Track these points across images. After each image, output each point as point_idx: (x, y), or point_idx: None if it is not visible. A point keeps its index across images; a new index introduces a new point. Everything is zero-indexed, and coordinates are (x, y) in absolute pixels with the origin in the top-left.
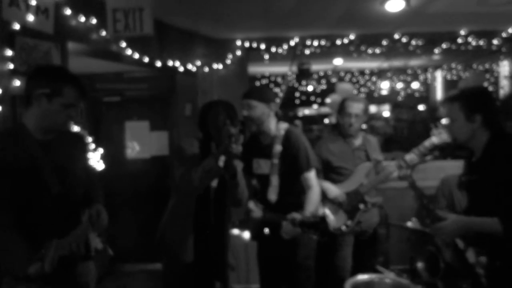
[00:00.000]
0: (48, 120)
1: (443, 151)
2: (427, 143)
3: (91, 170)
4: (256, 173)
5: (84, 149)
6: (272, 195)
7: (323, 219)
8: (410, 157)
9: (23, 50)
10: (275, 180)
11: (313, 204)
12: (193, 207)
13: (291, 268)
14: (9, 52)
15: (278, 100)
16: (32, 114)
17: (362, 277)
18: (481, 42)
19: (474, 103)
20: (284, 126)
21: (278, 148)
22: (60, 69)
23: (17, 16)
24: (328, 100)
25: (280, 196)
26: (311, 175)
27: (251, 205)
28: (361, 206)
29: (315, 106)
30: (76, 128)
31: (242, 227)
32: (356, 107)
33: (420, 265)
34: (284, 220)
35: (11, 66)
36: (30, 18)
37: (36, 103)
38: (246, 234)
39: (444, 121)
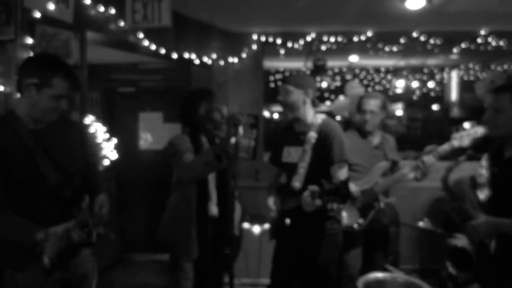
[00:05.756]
0: (37, 110)
1: (477, 150)
2: (446, 146)
3: (91, 157)
4: (285, 161)
5: (81, 137)
6: (297, 182)
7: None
8: (429, 158)
9: (43, 39)
10: (302, 168)
11: None
12: (194, 202)
13: (310, 270)
14: (29, 40)
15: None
16: (23, 103)
17: (375, 275)
18: (501, 43)
19: None
20: (322, 116)
21: (312, 135)
22: (52, 58)
23: (38, 4)
24: (335, 103)
25: (305, 185)
26: (342, 169)
27: (270, 202)
28: (375, 205)
29: (328, 103)
30: (90, 117)
31: (253, 222)
32: (371, 104)
33: (448, 264)
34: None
35: (31, 54)
36: (51, 6)
37: (26, 93)
38: (256, 228)
39: (466, 125)
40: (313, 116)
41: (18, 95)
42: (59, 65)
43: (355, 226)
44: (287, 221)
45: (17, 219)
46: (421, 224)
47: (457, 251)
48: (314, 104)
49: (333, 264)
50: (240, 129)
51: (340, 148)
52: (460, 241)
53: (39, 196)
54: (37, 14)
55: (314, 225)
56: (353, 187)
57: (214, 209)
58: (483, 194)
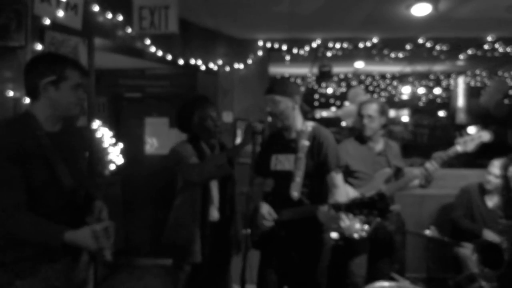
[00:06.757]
0: (61, 107)
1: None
2: (450, 151)
3: (94, 163)
4: (275, 169)
5: (85, 143)
6: (295, 191)
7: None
8: (431, 165)
9: (52, 45)
10: (299, 177)
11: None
12: (199, 205)
13: (302, 281)
14: (39, 46)
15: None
16: (41, 105)
17: (380, 284)
18: (508, 49)
19: None
20: (311, 123)
21: (304, 143)
22: (54, 54)
23: (48, 12)
24: (344, 109)
25: (302, 194)
26: (338, 175)
27: (264, 210)
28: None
29: (333, 109)
30: (97, 122)
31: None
32: (368, 108)
33: (474, 257)
34: (317, 209)
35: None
36: (60, 13)
37: (44, 94)
38: None
39: (470, 130)
40: (302, 123)
41: (28, 100)
42: (62, 57)
43: (359, 234)
44: (283, 233)
45: (39, 219)
46: (427, 232)
47: (489, 246)
48: (302, 109)
49: (324, 276)
50: (259, 138)
51: (335, 154)
52: (468, 250)
53: (53, 200)
54: (47, 21)
55: (311, 237)
56: (356, 192)
57: (214, 214)
58: (491, 201)
